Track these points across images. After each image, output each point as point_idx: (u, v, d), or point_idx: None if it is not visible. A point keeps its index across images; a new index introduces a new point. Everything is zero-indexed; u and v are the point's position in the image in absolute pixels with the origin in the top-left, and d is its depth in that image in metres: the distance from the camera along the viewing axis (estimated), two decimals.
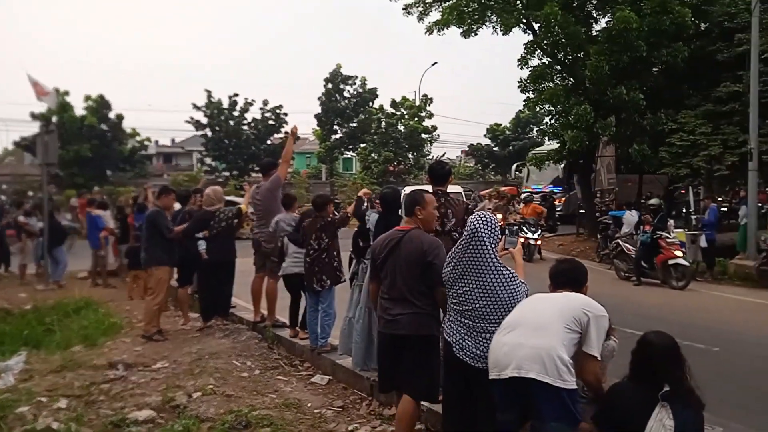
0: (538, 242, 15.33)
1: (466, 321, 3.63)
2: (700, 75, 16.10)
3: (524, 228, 14.97)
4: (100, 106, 35.87)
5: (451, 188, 5.84)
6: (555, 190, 25.37)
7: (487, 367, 3.43)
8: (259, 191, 7.65)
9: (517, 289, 3.57)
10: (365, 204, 6.17)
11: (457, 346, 3.64)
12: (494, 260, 3.59)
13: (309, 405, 5.35)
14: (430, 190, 4.71)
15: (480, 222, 3.66)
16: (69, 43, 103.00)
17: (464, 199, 5.04)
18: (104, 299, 10.40)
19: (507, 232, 3.95)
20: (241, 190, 9.31)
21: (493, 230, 3.65)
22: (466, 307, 3.64)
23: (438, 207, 4.76)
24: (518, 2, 17.59)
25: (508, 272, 3.60)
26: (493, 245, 3.63)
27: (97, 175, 34.86)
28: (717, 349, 7.16)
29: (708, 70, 15.76)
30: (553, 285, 3.59)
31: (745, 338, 7.99)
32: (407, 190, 4.78)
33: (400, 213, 5.28)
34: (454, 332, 3.69)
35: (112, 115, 36.64)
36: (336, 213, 6.59)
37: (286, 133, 39.21)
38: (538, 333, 3.14)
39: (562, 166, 22.38)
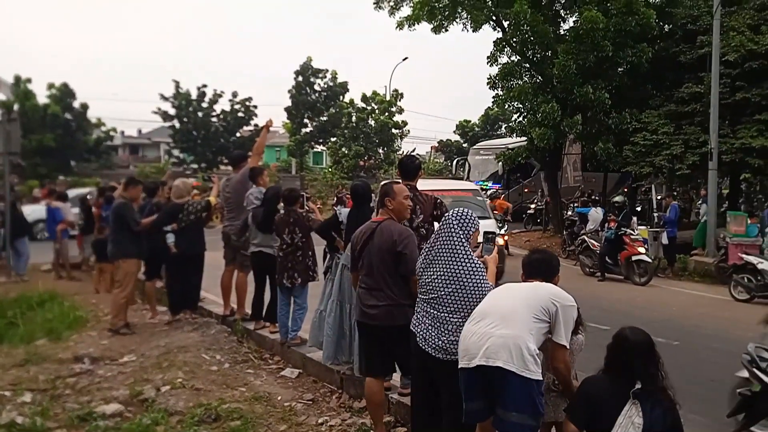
0: (505, 238, 15.35)
1: (431, 311, 3.71)
2: (663, 76, 16.48)
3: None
4: (63, 94, 35.20)
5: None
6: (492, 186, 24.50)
7: (448, 358, 3.54)
8: (229, 184, 7.62)
9: (483, 281, 3.64)
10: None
11: (421, 337, 3.72)
12: (464, 248, 3.68)
13: (279, 398, 5.38)
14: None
15: (454, 216, 3.79)
16: (31, 30, 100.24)
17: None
18: (69, 292, 10.22)
19: (483, 239, 4.01)
20: (209, 182, 9.22)
21: (466, 224, 3.75)
22: (432, 295, 3.72)
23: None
24: (488, 0, 17.76)
25: (476, 262, 3.68)
26: (464, 236, 3.72)
27: (61, 166, 34.23)
28: (677, 343, 7.40)
29: (671, 71, 16.15)
30: (525, 274, 3.67)
31: (703, 332, 8.30)
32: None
33: (372, 206, 5.36)
34: (420, 323, 3.77)
35: (76, 104, 36.02)
36: (307, 207, 6.61)
37: (255, 126, 38.99)
38: (506, 322, 3.21)
39: (501, 162, 22.11)
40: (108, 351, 6.78)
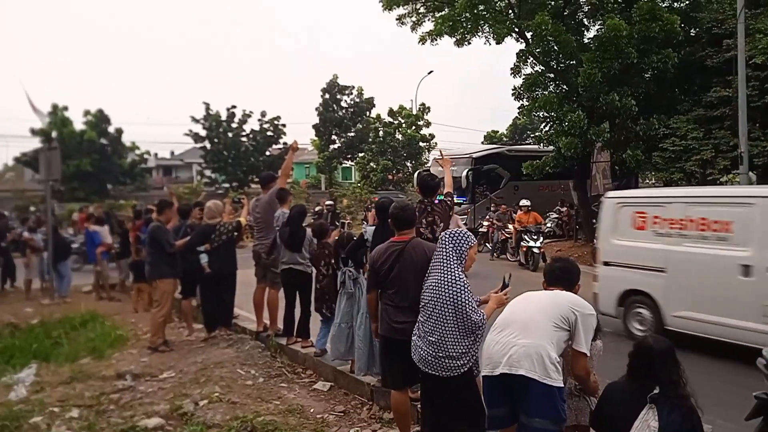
0: (542, 250, 15.12)
1: (420, 324, 3.97)
2: (690, 80, 16.34)
3: (525, 237, 14.98)
4: (99, 120, 36.27)
5: None
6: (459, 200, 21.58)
7: (427, 370, 3.83)
8: (259, 204, 7.85)
9: (463, 296, 3.77)
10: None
11: (412, 344, 4.00)
12: (451, 265, 3.88)
13: (312, 410, 5.55)
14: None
15: (448, 236, 4.02)
16: (67, 58, 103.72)
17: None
18: (109, 312, 10.62)
19: (506, 278, 4.15)
20: (239, 203, 9.49)
21: (459, 243, 3.96)
22: (422, 306, 3.97)
23: (426, 216, 5.02)
24: (510, 12, 17.86)
25: (461, 278, 3.85)
26: (456, 254, 3.92)
27: (98, 189, 35.18)
28: (702, 352, 7.33)
29: (698, 76, 16.00)
30: (546, 282, 3.79)
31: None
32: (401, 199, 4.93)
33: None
34: (414, 333, 4.03)
35: (111, 129, 37.04)
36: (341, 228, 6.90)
37: (284, 144, 39.60)
38: (527, 331, 3.33)
39: (464, 173, 20.64)
40: (148, 368, 7.05)
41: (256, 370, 6.84)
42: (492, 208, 19.46)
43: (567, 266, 3.85)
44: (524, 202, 16.45)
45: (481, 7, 16.78)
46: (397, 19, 18.42)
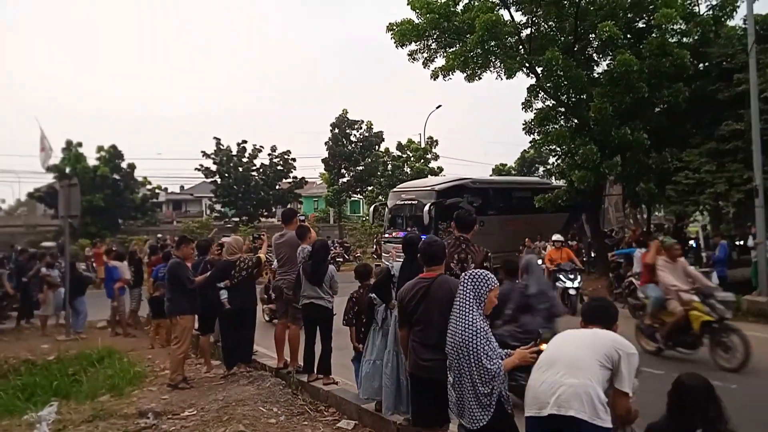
0: (580, 291, 13.44)
1: (449, 374, 3.97)
2: (701, 114, 16.44)
3: (560, 276, 13.38)
4: (112, 156, 36.70)
5: None
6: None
7: (463, 423, 3.79)
8: (284, 240, 7.86)
9: (479, 342, 3.75)
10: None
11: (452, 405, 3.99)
12: (470, 309, 3.87)
13: None
14: None
15: (469, 277, 4.01)
16: (81, 95, 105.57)
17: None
18: (125, 348, 10.59)
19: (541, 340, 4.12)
20: (259, 239, 9.50)
21: (479, 285, 3.95)
22: (449, 361, 3.96)
23: (459, 252, 5.01)
24: (521, 48, 18.11)
25: (479, 324, 3.83)
26: (474, 297, 3.91)
27: (110, 224, 35.37)
28: (735, 386, 7.23)
29: (709, 110, 16.11)
30: (584, 321, 3.76)
31: (762, 373, 8.06)
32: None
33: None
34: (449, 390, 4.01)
35: (124, 164, 37.40)
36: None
37: (294, 178, 39.91)
38: (574, 371, 3.30)
39: (427, 208, 18.68)
40: (169, 405, 7.00)
41: (278, 407, 6.76)
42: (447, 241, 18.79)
43: (605, 305, 3.85)
44: (557, 237, 14.87)
45: (492, 43, 17.02)
46: (408, 55, 18.67)
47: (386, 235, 21.68)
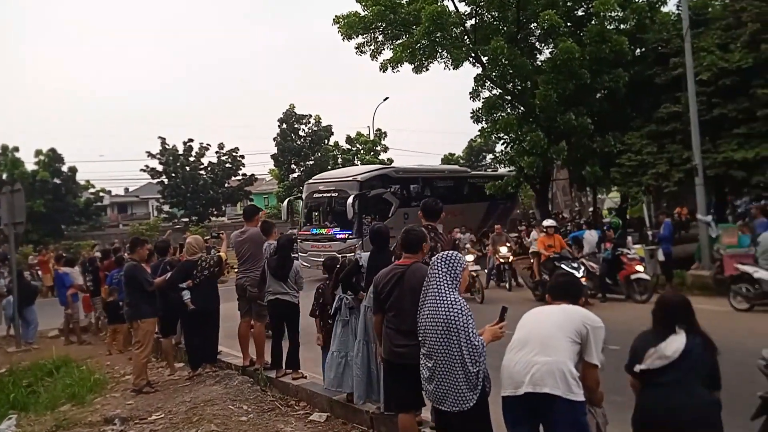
0: (584, 280, 11.95)
1: (426, 362, 3.96)
2: (641, 98, 17.06)
3: (563, 265, 12.13)
4: (51, 159, 35.38)
5: None
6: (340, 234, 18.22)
7: (445, 408, 3.81)
8: (246, 235, 7.78)
9: (467, 322, 3.79)
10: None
11: (425, 390, 4.03)
12: (449, 290, 3.91)
13: None
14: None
15: (440, 259, 4.05)
16: (15, 98, 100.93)
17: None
18: (81, 356, 10.28)
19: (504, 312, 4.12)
20: (218, 238, 9.35)
21: (453, 266, 4.00)
22: (421, 339, 3.99)
23: (428, 241, 5.10)
24: (466, 38, 18.38)
25: (461, 303, 3.87)
26: (451, 278, 3.96)
27: (53, 231, 34.13)
28: None
29: (648, 93, 16.71)
30: (551, 297, 3.89)
31: None
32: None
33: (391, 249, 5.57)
34: (424, 378, 4.02)
35: (64, 168, 36.12)
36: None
37: (244, 175, 39.38)
38: (546, 349, 3.43)
39: (350, 201, 17.60)
40: (135, 410, 6.88)
41: (248, 405, 6.74)
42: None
43: (571, 279, 4.02)
44: (549, 223, 14.01)
45: (438, 34, 17.24)
46: (356, 48, 18.72)
47: (302, 232, 19.86)
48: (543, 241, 13.30)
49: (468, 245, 17.48)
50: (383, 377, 4.98)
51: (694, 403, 3.17)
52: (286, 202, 25.20)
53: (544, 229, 13.60)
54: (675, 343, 3.26)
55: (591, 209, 23.56)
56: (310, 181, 21.71)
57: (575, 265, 12.25)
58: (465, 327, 3.78)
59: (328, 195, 19.52)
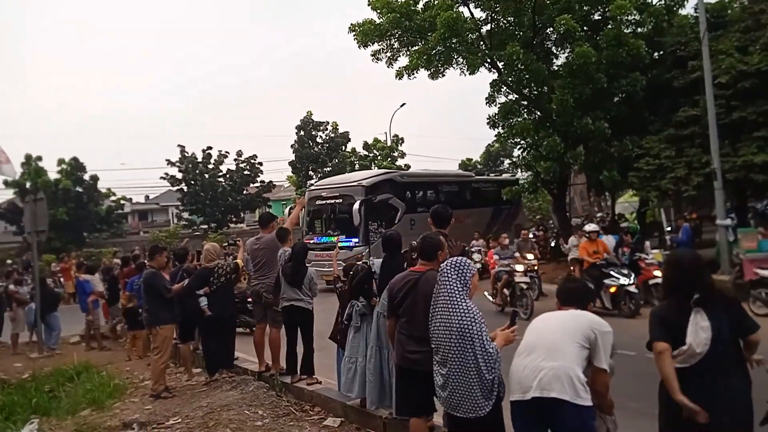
0: (634, 287, 11.43)
1: (440, 369, 3.96)
2: (659, 102, 16.92)
3: (612, 272, 11.60)
4: (74, 168, 36.00)
5: None
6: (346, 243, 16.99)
7: (460, 414, 3.80)
8: (260, 243, 7.89)
9: (480, 330, 3.78)
10: None
11: (440, 398, 4.03)
12: (460, 297, 3.89)
13: None
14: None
15: (450, 265, 4.04)
16: (38, 108, 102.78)
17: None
18: (102, 362, 10.46)
19: (515, 316, 4.12)
20: (234, 245, 9.42)
21: (462, 272, 3.99)
22: (434, 347, 4.00)
23: None
24: (482, 44, 18.40)
25: (473, 310, 3.86)
26: (461, 284, 3.95)
27: (75, 238, 34.68)
28: None
29: (666, 97, 16.57)
30: (560, 302, 3.90)
31: None
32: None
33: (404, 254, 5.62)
34: (437, 384, 4.00)
35: (86, 176, 36.71)
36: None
37: (262, 182, 39.68)
38: (553, 354, 3.45)
39: (357, 206, 16.89)
40: (153, 415, 6.98)
41: (263, 410, 6.81)
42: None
43: (580, 286, 4.03)
44: (592, 227, 13.11)
45: (454, 40, 17.25)
46: (372, 55, 18.80)
47: (306, 241, 18.13)
48: (586, 247, 12.46)
49: (481, 250, 17.49)
50: (395, 382, 5.03)
51: (731, 394, 3.22)
52: (287, 211, 24.30)
53: (587, 234, 12.73)
54: (702, 335, 3.24)
55: (606, 213, 23.43)
56: (312, 187, 20.96)
57: (625, 271, 11.62)
58: (479, 335, 3.78)
59: (332, 201, 18.75)
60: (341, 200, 18.14)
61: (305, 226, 19.39)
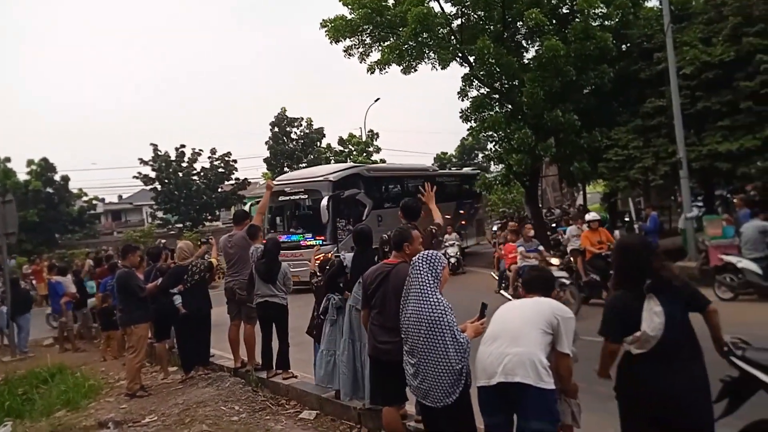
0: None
1: (409, 359, 4.05)
2: (626, 93, 17.21)
3: None
4: (44, 169, 35.41)
5: None
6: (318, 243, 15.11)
7: (429, 404, 3.90)
8: (232, 240, 7.93)
9: (449, 321, 3.87)
10: None
11: (410, 385, 4.10)
12: (431, 289, 3.99)
13: None
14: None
15: (422, 258, 4.13)
16: (5, 109, 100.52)
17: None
18: (76, 363, 10.40)
19: (483, 308, 4.17)
20: (207, 243, 9.40)
21: (433, 264, 4.08)
22: (404, 336, 4.09)
23: None
24: (453, 38, 18.51)
25: (442, 302, 3.95)
26: (432, 276, 4.03)
27: (47, 240, 34.16)
28: None
29: (633, 88, 16.87)
30: (524, 290, 4.04)
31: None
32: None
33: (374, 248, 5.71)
34: (407, 373, 4.09)
35: (57, 177, 36.15)
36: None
37: (237, 179, 39.42)
38: (517, 341, 3.57)
39: (324, 202, 16.07)
40: (129, 414, 7.00)
41: (239, 405, 6.87)
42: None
43: (544, 274, 4.17)
44: (592, 216, 12.66)
45: (425, 35, 17.33)
46: (344, 51, 18.80)
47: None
48: (588, 237, 11.80)
49: (456, 243, 17.70)
50: (370, 372, 5.13)
51: (689, 377, 3.30)
52: (249, 206, 23.30)
53: (588, 224, 12.09)
54: (656, 319, 3.30)
55: (568, 204, 23.82)
56: (274, 182, 20.09)
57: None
58: (450, 326, 3.87)
59: (296, 198, 17.75)
60: (306, 196, 17.36)
61: (266, 224, 17.85)
